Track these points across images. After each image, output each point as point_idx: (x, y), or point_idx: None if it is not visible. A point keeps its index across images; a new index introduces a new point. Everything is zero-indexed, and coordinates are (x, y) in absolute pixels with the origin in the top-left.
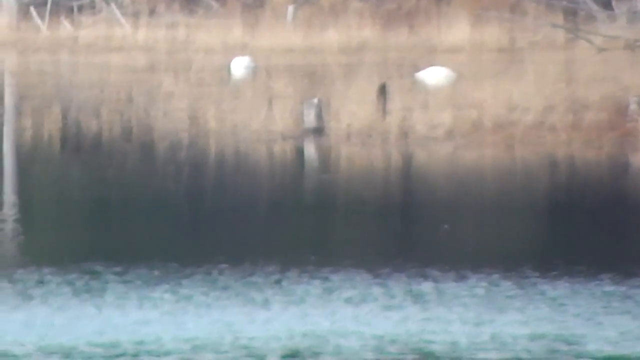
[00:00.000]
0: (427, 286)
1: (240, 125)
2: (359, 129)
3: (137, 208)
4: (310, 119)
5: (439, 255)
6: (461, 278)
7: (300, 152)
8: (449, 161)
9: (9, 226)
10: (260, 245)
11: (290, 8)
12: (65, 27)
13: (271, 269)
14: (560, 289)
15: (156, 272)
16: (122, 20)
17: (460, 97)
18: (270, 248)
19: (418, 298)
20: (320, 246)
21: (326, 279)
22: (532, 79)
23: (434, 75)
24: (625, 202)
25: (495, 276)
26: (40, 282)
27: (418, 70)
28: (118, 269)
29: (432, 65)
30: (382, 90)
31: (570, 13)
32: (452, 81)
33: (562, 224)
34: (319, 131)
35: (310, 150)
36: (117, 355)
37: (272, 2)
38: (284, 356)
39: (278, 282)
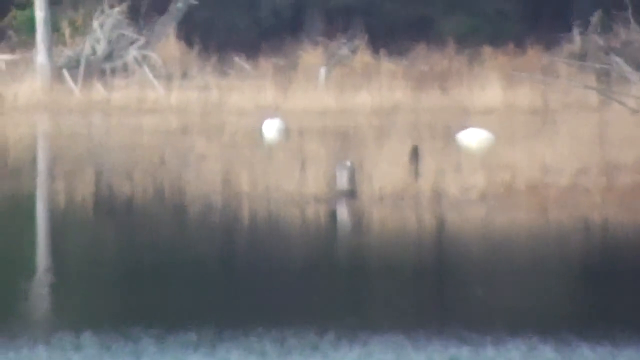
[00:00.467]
0: (465, 350)
1: (273, 187)
2: (392, 191)
3: (172, 271)
4: (342, 182)
5: (476, 319)
6: (499, 342)
7: (333, 215)
8: (482, 224)
9: (44, 290)
10: (296, 309)
11: (322, 70)
12: (98, 89)
13: (308, 333)
14: (598, 352)
15: (192, 336)
16: (155, 82)
17: (493, 159)
18: (306, 311)
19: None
20: (356, 310)
21: (364, 343)
22: (565, 141)
23: (474, 137)
24: None
25: (534, 339)
26: (77, 347)
27: (453, 131)
28: (154, 332)
29: (469, 127)
30: (414, 153)
31: (603, 74)
32: (491, 143)
33: (598, 287)
34: (351, 194)
35: (342, 213)
36: None
37: (304, 64)
38: None
39: (315, 347)
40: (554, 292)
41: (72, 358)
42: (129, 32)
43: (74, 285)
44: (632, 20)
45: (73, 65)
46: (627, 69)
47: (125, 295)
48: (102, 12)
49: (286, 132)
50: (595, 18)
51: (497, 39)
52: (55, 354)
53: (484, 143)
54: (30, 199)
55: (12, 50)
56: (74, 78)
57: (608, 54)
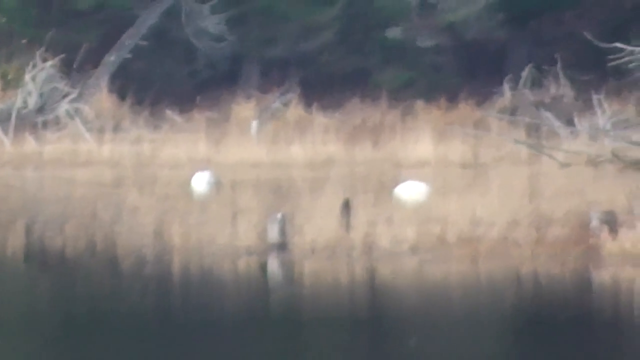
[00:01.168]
0: None
1: (205, 240)
2: (323, 243)
3: (103, 324)
4: (273, 234)
5: None
6: None
7: (264, 267)
8: (414, 276)
9: None
10: None
11: (255, 123)
12: (30, 142)
13: None
14: None
15: None
16: (87, 135)
17: (424, 211)
18: None
19: None
20: None
21: None
22: (496, 194)
23: (412, 190)
24: (589, 318)
25: None
26: None
27: (386, 184)
28: None
29: (405, 180)
30: (346, 205)
31: (534, 129)
32: (429, 196)
33: (529, 338)
34: (282, 246)
35: (273, 265)
36: None
37: (237, 117)
38: None
39: None
40: (486, 343)
41: None
42: (62, 85)
43: (2, 338)
44: (561, 74)
45: (4, 118)
46: (557, 124)
47: (54, 347)
48: (35, 65)
49: (217, 185)
50: (525, 73)
51: (431, 93)
52: None
53: (422, 196)
54: None
55: None
56: (5, 131)
57: (538, 108)
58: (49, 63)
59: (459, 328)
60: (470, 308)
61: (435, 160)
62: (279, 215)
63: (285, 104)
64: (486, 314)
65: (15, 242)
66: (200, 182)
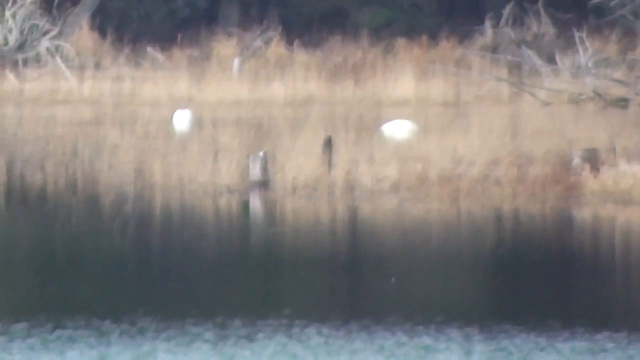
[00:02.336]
0: (375, 340)
1: (186, 178)
2: (305, 182)
3: (83, 263)
4: (255, 172)
5: (387, 309)
6: (410, 331)
7: (245, 205)
8: (395, 214)
9: None
10: (207, 301)
11: (236, 61)
12: (10, 80)
13: (217, 324)
14: (506, 340)
15: (94, 331)
16: (68, 73)
17: (406, 150)
18: (217, 303)
19: (359, 353)
20: (267, 301)
21: (274, 334)
22: (477, 133)
23: (399, 129)
24: (568, 256)
25: (444, 328)
26: None
27: (367, 123)
28: (57, 325)
29: (388, 118)
30: (328, 144)
31: (515, 67)
32: (415, 134)
33: (507, 277)
34: (264, 184)
35: (255, 203)
36: None
37: (218, 55)
38: None
39: (224, 338)
40: (466, 281)
41: None
42: (42, 22)
43: None
44: (542, 12)
45: None
46: (538, 62)
47: (33, 286)
48: (15, 2)
49: (198, 123)
50: (507, 11)
51: (411, 32)
52: None
53: (409, 134)
54: None
55: None
56: None
57: (519, 46)
58: (29, 0)
59: (439, 266)
60: (451, 246)
61: (416, 98)
62: (260, 153)
63: (267, 42)
64: (467, 252)
65: None
66: (181, 120)
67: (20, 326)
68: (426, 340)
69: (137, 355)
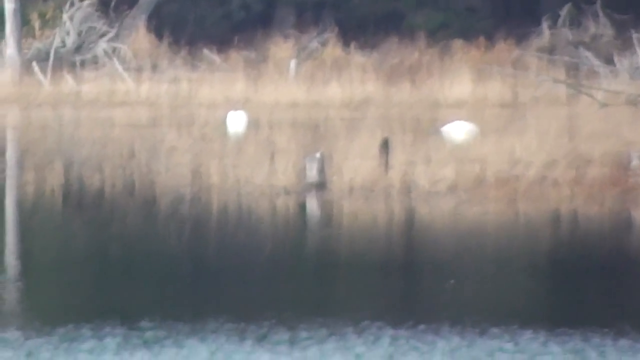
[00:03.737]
0: (437, 342)
1: (243, 180)
2: (361, 183)
3: (141, 265)
4: (312, 174)
5: (447, 312)
6: (469, 333)
7: (302, 207)
8: (452, 216)
9: (11, 285)
10: (267, 302)
11: (293, 62)
12: (68, 82)
13: (280, 327)
14: (568, 345)
15: (160, 332)
16: (125, 75)
17: (463, 152)
18: (278, 305)
19: (425, 355)
20: (327, 303)
21: (337, 336)
22: (534, 134)
23: (459, 130)
24: (628, 259)
25: (505, 331)
26: (44, 343)
27: (423, 124)
28: (123, 328)
29: (450, 120)
30: (385, 145)
31: (573, 68)
32: (475, 136)
33: (565, 281)
34: (321, 186)
35: (312, 205)
36: None
37: (275, 57)
38: None
39: (287, 341)
40: (523, 284)
41: (40, 355)
42: (99, 25)
43: (41, 280)
44: (600, 13)
45: (42, 58)
46: (596, 63)
47: (94, 290)
48: (72, 4)
49: (254, 125)
50: (564, 12)
51: (467, 33)
52: (22, 351)
53: (469, 135)
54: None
55: None
56: (44, 70)
57: (577, 47)
58: (86, 2)
59: (496, 269)
60: (509, 248)
61: (474, 100)
62: (317, 155)
63: (323, 44)
64: (525, 254)
65: (53, 182)
66: (235, 122)
67: (79, 328)
68: (484, 343)
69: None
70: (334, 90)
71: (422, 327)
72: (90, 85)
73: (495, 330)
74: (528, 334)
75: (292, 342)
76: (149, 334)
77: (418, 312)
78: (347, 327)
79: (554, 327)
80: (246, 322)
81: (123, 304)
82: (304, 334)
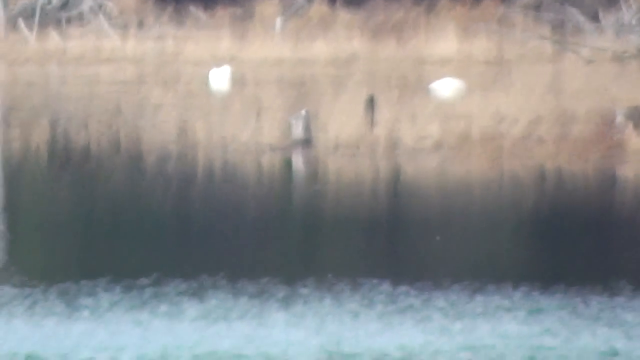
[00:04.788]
0: (418, 297)
1: (228, 137)
2: (347, 140)
3: (126, 221)
4: (298, 131)
5: (428, 267)
6: (450, 288)
7: (288, 163)
8: (437, 173)
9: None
10: (257, 260)
11: (279, 20)
12: (54, 38)
13: (273, 283)
14: (547, 297)
15: (154, 289)
16: (111, 32)
17: (448, 109)
18: (267, 262)
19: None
20: (311, 258)
21: (321, 290)
22: (520, 91)
23: (446, 87)
24: (612, 215)
25: (485, 285)
26: (27, 298)
27: (409, 82)
28: (107, 284)
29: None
30: (370, 102)
31: (558, 25)
32: (461, 93)
33: (549, 236)
34: (306, 143)
35: (298, 161)
36: None
37: (261, 14)
38: None
39: (272, 296)
40: (510, 240)
41: (20, 312)
42: None
43: (27, 237)
44: None
45: (28, 15)
46: (582, 20)
47: (79, 246)
48: None
49: (240, 81)
50: None
51: None
52: (11, 307)
53: (457, 92)
54: None
55: None
56: (29, 27)
57: (562, 4)
58: None
59: (482, 225)
60: (493, 205)
61: (459, 57)
62: (303, 112)
63: (309, 1)
64: (509, 211)
65: (39, 138)
66: (219, 78)
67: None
68: (464, 299)
69: (168, 311)
70: (320, 48)
71: (416, 283)
72: (76, 42)
73: (488, 286)
74: (510, 288)
75: (287, 299)
76: (143, 292)
77: (400, 268)
78: (340, 284)
79: (544, 281)
80: (240, 279)
81: (114, 261)
82: (299, 291)
